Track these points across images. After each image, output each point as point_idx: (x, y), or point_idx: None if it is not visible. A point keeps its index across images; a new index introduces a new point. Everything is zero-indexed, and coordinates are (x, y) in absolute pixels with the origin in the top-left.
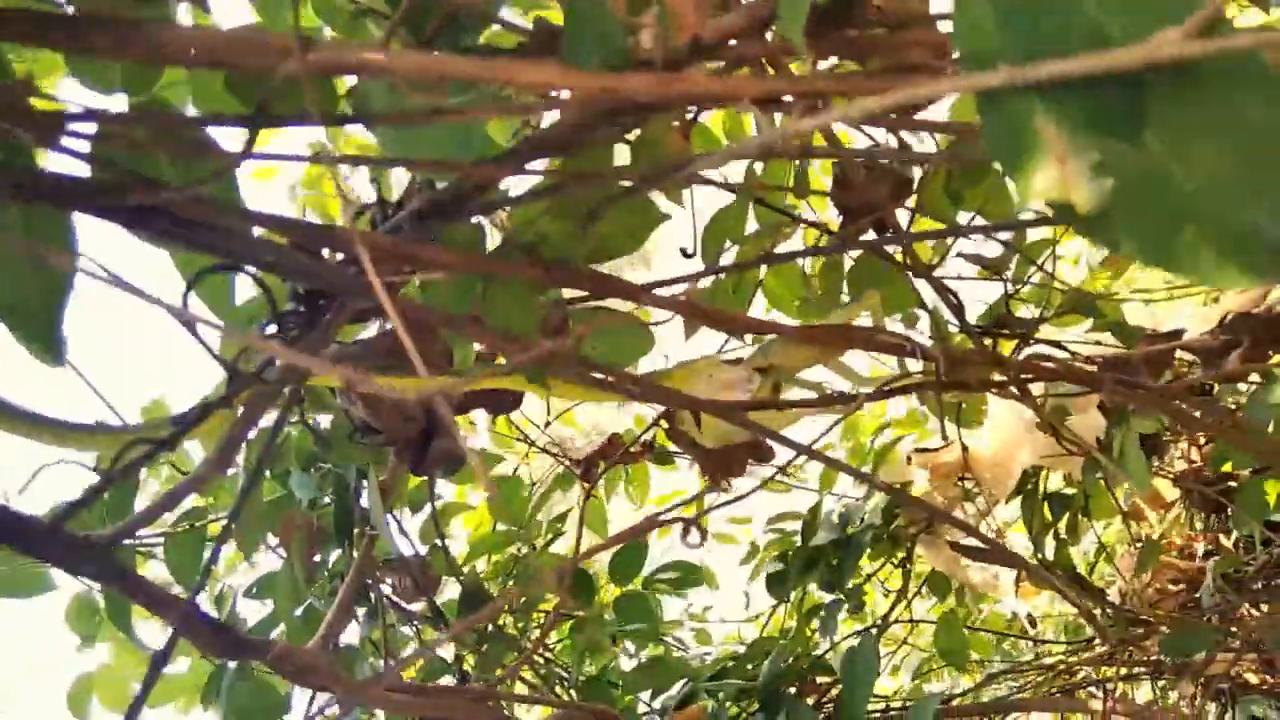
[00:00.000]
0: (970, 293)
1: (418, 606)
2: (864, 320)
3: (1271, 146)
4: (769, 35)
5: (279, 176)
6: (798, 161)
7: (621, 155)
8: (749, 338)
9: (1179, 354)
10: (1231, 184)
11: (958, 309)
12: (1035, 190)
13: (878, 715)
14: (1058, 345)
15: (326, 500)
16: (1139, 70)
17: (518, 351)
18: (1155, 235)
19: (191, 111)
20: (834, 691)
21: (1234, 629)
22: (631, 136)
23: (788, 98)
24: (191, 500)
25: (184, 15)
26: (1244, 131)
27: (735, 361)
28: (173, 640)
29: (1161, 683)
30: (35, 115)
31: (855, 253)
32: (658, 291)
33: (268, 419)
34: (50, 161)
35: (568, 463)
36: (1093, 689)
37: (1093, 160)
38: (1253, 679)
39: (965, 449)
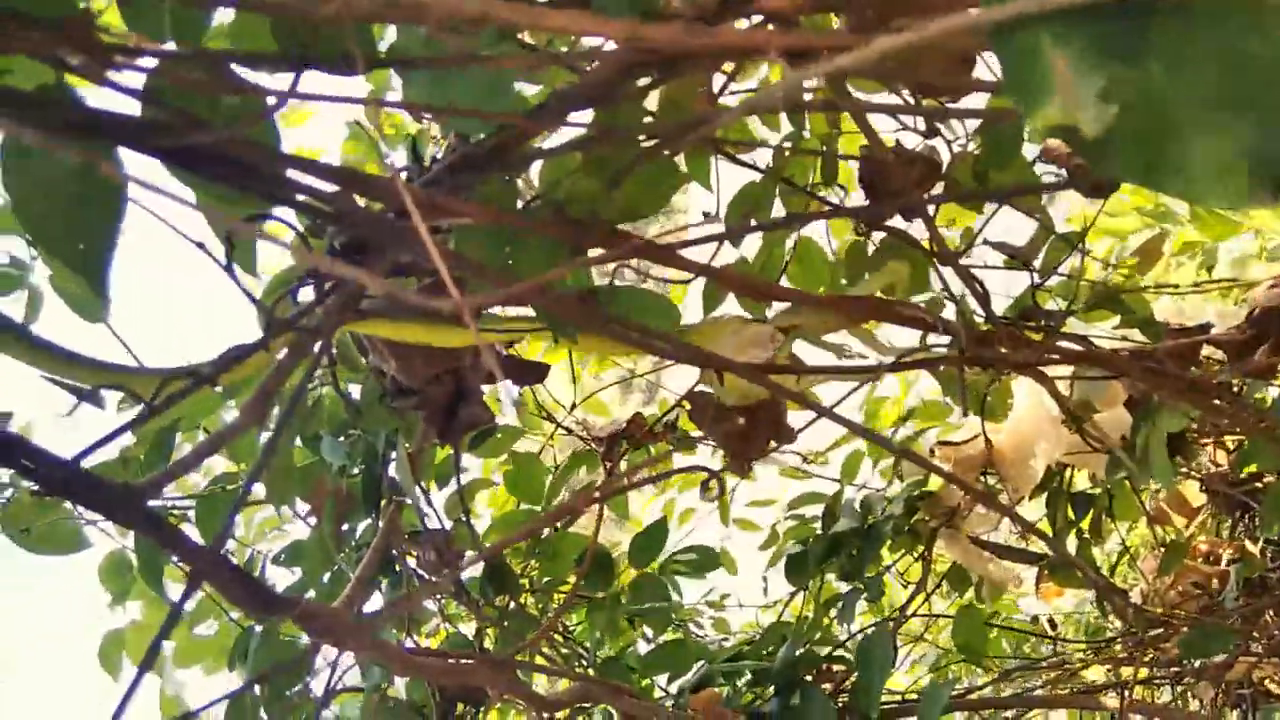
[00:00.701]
0: (996, 284)
1: (442, 578)
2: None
3: (1264, 70)
4: None
5: (323, 156)
6: (824, 147)
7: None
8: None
9: (1206, 351)
10: (1227, 104)
11: (983, 298)
12: (1044, 117)
13: (894, 705)
14: (1084, 339)
15: (356, 471)
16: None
17: (545, 303)
18: (1152, 156)
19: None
20: (849, 681)
21: (1256, 634)
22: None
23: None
24: (224, 466)
25: None
26: (1239, 56)
27: (760, 320)
28: (192, 584)
29: (1181, 687)
30: (100, 49)
31: (879, 237)
32: (684, 253)
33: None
34: (99, 99)
35: (590, 443)
36: (1111, 691)
37: (1098, 86)
38: (1275, 688)
39: (989, 442)
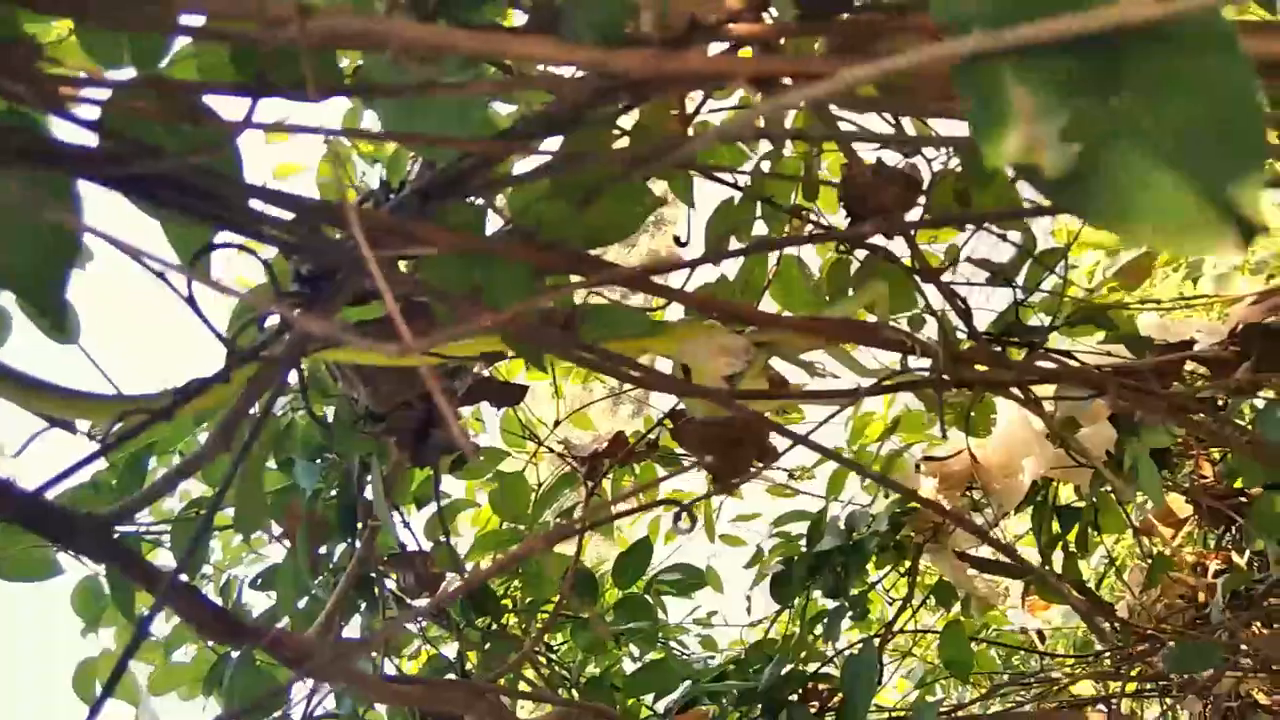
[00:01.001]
0: (979, 299)
1: (421, 602)
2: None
3: (1236, 104)
4: (767, 17)
5: (304, 173)
6: (804, 166)
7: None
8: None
9: (1190, 367)
10: (1198, 141)
11: (965, 314)
12: (1003, 154)
13: (881, 719)
14: (1067, 355)
15: (332, 493)
16: (1109, 32)
17: (513, 329)
18: (1118, 200)
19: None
20: (836, 699)
21: (1243, 646)
22: (631, 127)
23: (786, 80)
24: (201, 490)
25: None
26: (1210, 90)
27: (738, 331)
28: (155, 608)
29: (1169, 700)
30: (44, 79)
31: (862, 255)
32: (656, 280)
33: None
34: (57, 129)
35: (573, 462)
36: (1099, 705)
37: (1061, 124)
38: (1262, 699)
39: (974, 458)
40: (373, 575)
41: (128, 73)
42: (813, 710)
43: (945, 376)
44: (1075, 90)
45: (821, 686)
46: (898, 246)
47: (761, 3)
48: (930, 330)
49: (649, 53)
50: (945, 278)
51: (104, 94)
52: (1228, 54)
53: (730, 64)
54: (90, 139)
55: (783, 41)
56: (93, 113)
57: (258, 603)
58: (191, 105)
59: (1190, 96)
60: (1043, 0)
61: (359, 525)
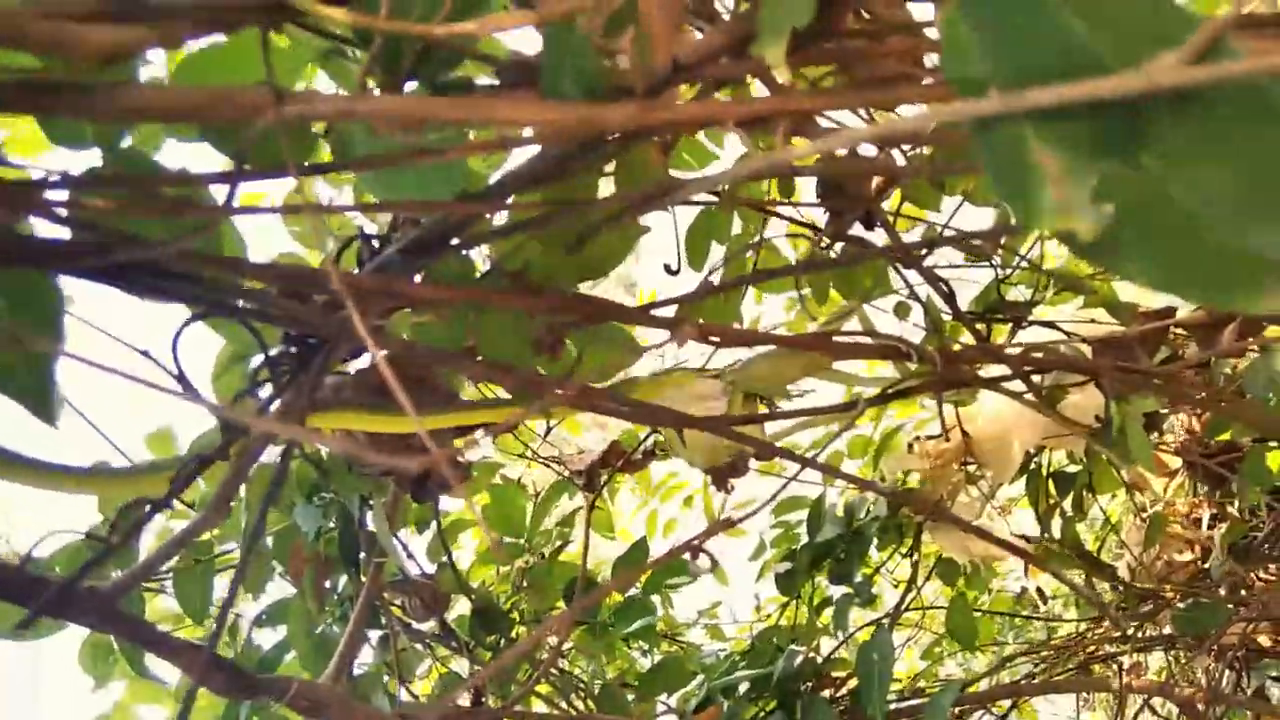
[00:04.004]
0: (961, 276)
1: (428, 626)
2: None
3: (1272, 169)
4: (749, 53)
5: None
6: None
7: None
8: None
9: (1173, 329)
10: (1233, 206)
11: (949, 297)
12: (1039, 220)
13: (892, 698)
14: (1052, 326)
15: (331, 525)
16: (1135, 94)
17: (511, 380)
18: (1160, 259)
19: (168, 161)
20: (849, 684)
21: (1244, 593)
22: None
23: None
24: (202, 536)
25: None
26: (1244, 155)
27: (712, 375)
28: (192, 692)
29: (1174, 652)
30: (4, 187)
31: (841, 246)
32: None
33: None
34: (33, 224)
35: (569, 475)
36: (1108, 663)
37: (1091, 186)
38: (1265, 641)
39: (966, 435)
40: (377, 604)
41: (93, 155)
42: (826, 697)
43: (943, 378)
44: (1101, 151)
45: (834, 673)
46: (876, 236)
47: (744, 41)
48: (916, 315)
49: (636, 106)
50: (925, 262)
51: (76, 188)
52: (1264, 118)
53: (719, 109)
54: (63, 232)
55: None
56: (63, 210)
57: (264, 638)
58: (171, 193)
59: (1226, 160)
60: (1061, 62)
61: (362, 555)
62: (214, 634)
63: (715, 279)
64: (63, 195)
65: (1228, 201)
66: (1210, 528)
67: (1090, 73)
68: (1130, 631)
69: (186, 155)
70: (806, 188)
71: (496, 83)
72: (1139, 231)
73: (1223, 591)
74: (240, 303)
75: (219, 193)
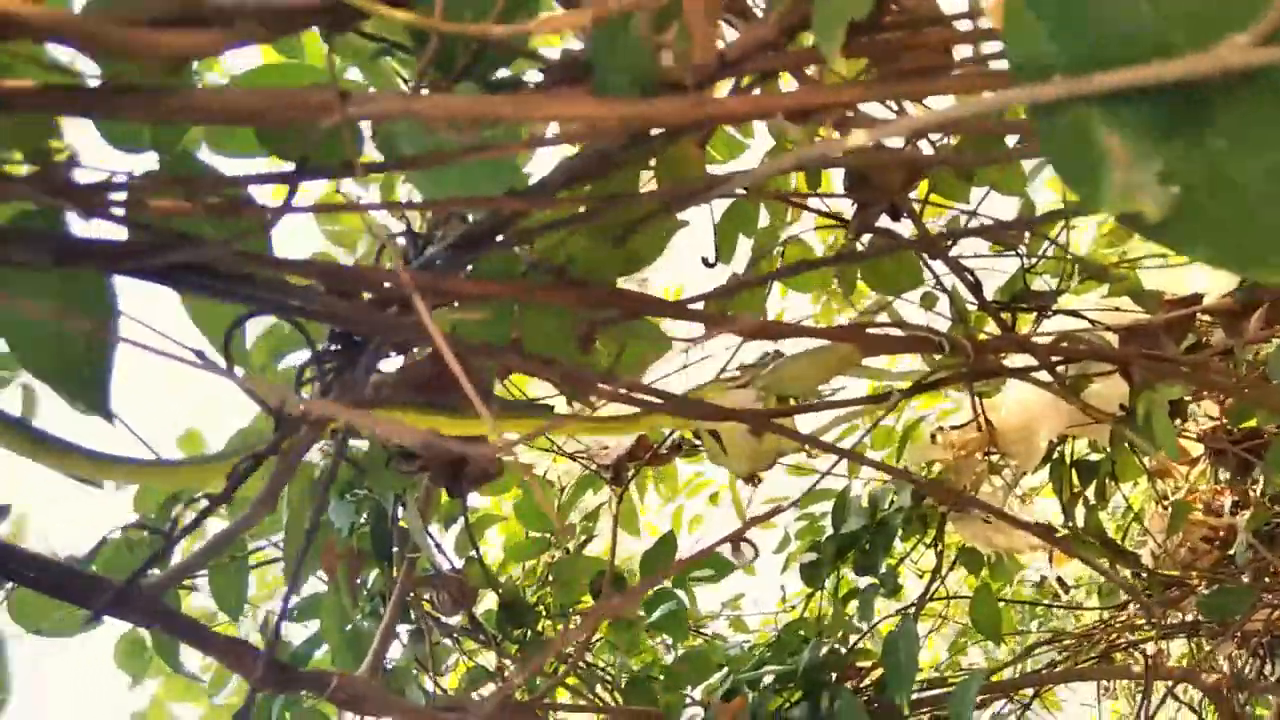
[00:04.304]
0: (988, 265)
1: (456, 620)
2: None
3: None
4: (795, 44)
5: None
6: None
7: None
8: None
9: (1199, 315)
10: None
11: (975, 287)
12: (1106, 203)
13: (917, 687)
14: (1076, 315)
15: (363, 521)
16: (1201, 76)
17: (556, 374)
18: (1225, 239)
19: (225, 165)
20: (874, 674)
21: (1268, 580)
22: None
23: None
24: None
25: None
26: None
27: (743, 384)
28: (250, 700)
29: (1198, 639)
30: (78, 190)
31: (868, 237)
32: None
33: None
34: (87, 225)
35: (596, 468)
36: (1131, 650)
37: (1157, 168)
38: None
39: (990, 424)
40: (408, 599)
41: (150, 158)
42: (852, 687)
43: (974, 369)
44: (1168, 134)
45: (859, 664)
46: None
47: (790, 32)
48: (942, 305)
49: (688, 101)
50: (951, 253)
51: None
52: None
53: (769, 102)
54: (120, 232)
55: (812, 69)
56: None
57: (294, 632)
58: (229, 195)
59: None
60: (1127, 45)
61: (394, 550)
62: (275, 629)
63: (741, 272)
64: (121, 197)
65: None
66: (1233, 514)
67: (1157, 55)
68: (1155, 619)
69: (221, 162)
70: (831, 180)
71: (541, 79)
72: (1203, 212)
73: (1246, 578)
74: (292, 301)
75: (259, 194)
